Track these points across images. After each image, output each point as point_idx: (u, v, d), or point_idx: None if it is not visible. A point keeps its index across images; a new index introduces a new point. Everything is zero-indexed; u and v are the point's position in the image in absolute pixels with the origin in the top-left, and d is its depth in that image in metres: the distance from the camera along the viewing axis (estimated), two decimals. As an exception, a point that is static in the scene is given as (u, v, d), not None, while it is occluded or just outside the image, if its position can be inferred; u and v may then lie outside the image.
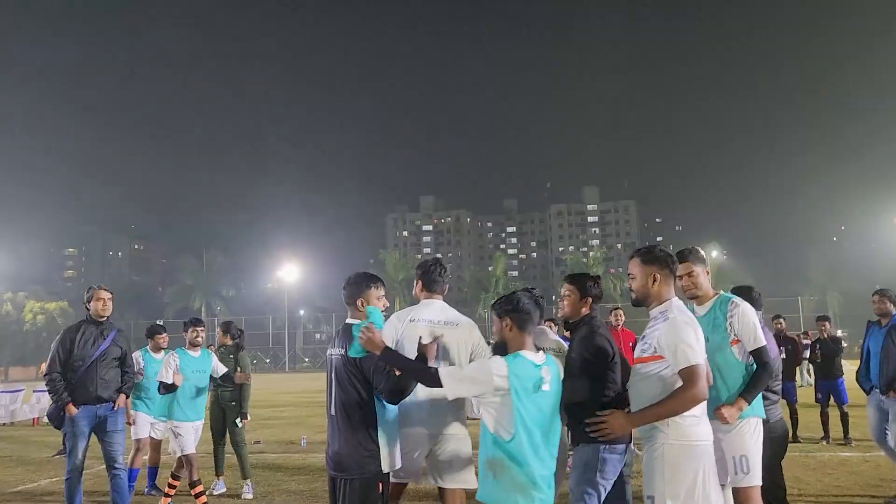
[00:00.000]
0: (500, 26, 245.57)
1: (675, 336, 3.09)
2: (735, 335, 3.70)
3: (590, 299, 3.78)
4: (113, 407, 5.72)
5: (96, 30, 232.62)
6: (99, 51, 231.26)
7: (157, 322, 9.45)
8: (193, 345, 6.72)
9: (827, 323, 10.00)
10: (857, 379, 6.67)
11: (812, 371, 14.44)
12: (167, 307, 65.65)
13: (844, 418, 9.44)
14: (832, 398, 9.69)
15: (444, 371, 3.04)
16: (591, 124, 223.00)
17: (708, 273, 3.93)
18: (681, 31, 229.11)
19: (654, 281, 3.27)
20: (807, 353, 13.05)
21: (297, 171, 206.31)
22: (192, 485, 6.27)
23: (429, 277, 4.09)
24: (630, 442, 3.58)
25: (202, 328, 6.87)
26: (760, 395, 3.78)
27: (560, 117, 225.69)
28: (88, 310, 5.84)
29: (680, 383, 3.07)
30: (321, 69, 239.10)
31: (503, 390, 2.92)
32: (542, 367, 3.03)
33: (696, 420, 3.10)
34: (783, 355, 9.94)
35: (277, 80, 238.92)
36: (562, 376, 3.24)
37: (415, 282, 4.26)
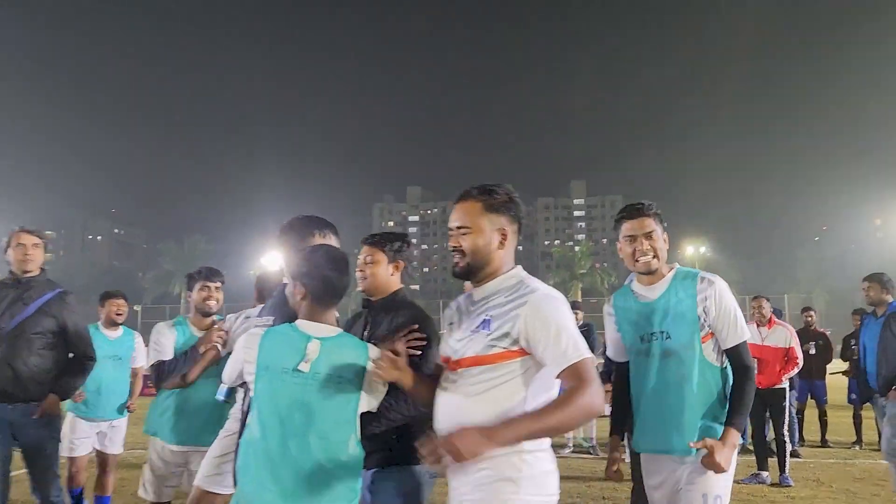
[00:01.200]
0: (489, 20, 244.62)
1: (550, 316, 2.04)
2: (710, 326, 2.66)
3: (402, 264, 2.74)
4: (33, 413, 3.77)
5: (76, 14, 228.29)
6: (81, 35, 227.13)
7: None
8: (204, 313, 4.04)
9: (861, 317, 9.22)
10: (857, 381, 5.73)
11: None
12: (146, 292, 64.57)
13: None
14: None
15: None
16: (580, 118, 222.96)
17: (667, 243, 2.82)
18: (672, 30, 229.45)
19: (502, 238, 2.18)
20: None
21: (282, 158, 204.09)
22: None
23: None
24: None
25: (217, 284, 4.12)
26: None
27: (549, 110, 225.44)
28: (10, 264, 3.97)
29: (551, 389, 2.08)
30: (308, 57, 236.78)
31: (250, 369, 2.22)
32: (311, 339, 2.20)
33: (548, 459, 2.11)
34: (813, 351, 9.23)
35: (264, 66, 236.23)
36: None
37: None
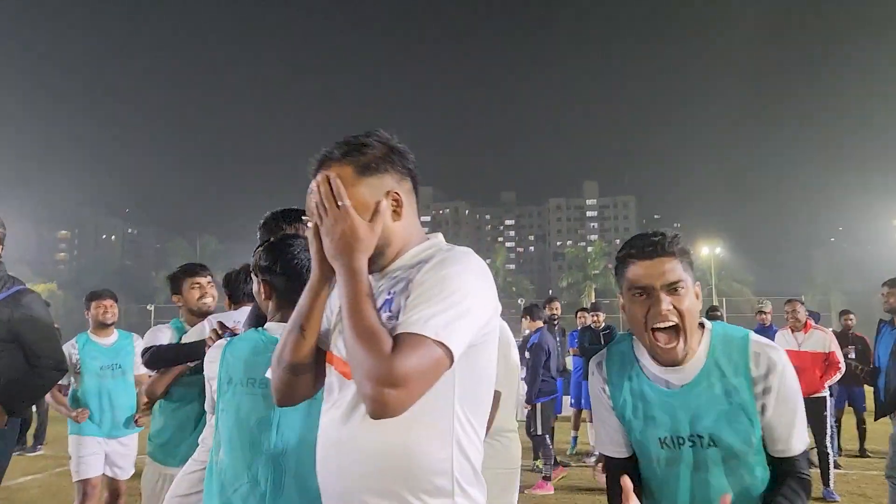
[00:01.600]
0: (502, 19, 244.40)
1: (447, 276, 1.37)
2: (763, 426, 1.69)
3: None
4: None
5: (88, 16, 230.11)
6: (94, 38, 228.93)
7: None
8: (196, 312, 3.55)
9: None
10: (874, 395, 5.27)
11: None
12: (158, 292, 64.71)
13: (923, 431, 8.27)
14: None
15: None
16: (593, 118, 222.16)
17: (699, 296, 1.73)
18: (685, 30, 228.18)
19: (396, 206, 1.49)
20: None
21: (293, 158, 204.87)
22: None
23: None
24: None
25: (208, 278, 3.69)
26: None
27: (561, 110, 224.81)
28: None
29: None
30: (318, 57, 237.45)
31: (212, 381, 1.99)
32: None
33: (483, 498, 1.47)
34: (853, 355, 8.80)
35: (275, 64, 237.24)
36: None
37: None
